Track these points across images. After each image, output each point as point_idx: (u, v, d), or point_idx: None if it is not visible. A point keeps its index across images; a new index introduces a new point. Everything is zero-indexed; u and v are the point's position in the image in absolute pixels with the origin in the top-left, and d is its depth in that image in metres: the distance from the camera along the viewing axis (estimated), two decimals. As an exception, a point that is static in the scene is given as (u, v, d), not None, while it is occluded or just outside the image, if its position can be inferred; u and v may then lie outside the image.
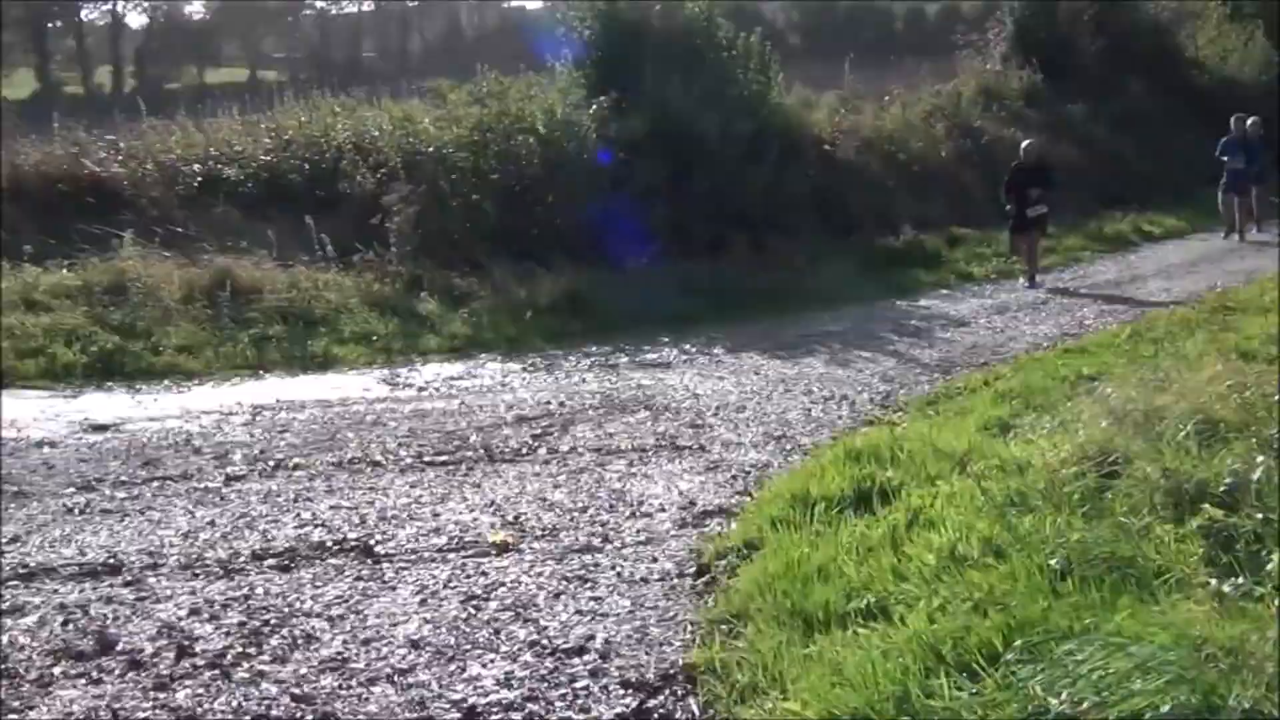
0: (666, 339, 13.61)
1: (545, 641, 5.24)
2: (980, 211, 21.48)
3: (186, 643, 5.28)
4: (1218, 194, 21.58)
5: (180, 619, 5.58)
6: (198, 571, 6.29)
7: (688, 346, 13.19)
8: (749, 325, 14.32)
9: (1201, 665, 3.60)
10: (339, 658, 5.14)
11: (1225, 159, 21.00)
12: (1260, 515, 5.08)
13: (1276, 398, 6.69)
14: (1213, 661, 3.64)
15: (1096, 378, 9.26)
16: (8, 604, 5.75)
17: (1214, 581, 4.54)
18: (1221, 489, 5.45)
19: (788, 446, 8.75)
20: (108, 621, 5.54)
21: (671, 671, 4.90)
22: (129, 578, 6.17)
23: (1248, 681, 3.50)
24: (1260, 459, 5.63)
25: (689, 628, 5.37)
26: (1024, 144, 18.61)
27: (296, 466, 8.52)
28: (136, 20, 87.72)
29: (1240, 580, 4.53)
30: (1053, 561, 4.91)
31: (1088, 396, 8.19)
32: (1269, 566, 4.59)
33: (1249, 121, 21.25)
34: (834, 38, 55.99)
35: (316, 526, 7.08)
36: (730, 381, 11.27)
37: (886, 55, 40.13)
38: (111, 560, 6.44)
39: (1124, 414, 7.08)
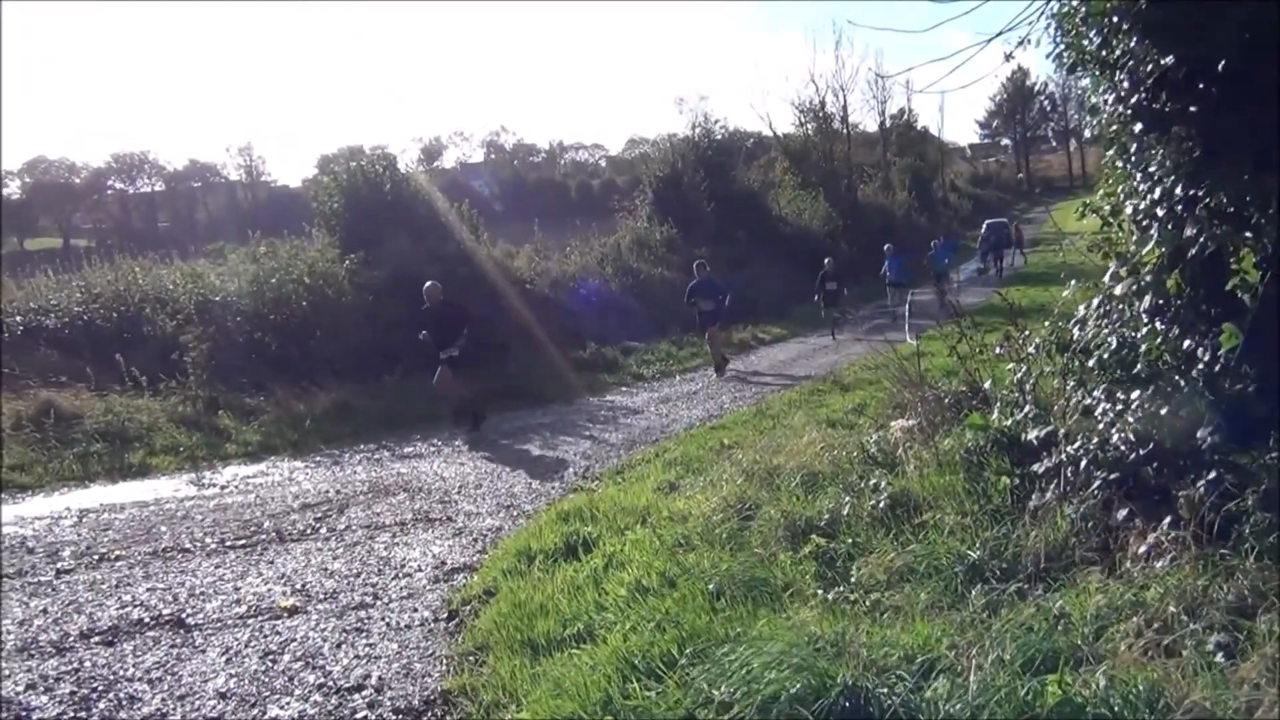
0: (418, 435, 13.34)
1: (331, 683, 5.11)
2: (642, 328, 22.13)
3: (24, 713, 4.95)
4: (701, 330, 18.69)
5: (18, 694, 5.22)
6: (32, 653, 5.85)
7: (435, 440, 12.95)
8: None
9: (815, 655, 3.79)
10: (158, 713, 4.90)
11: (694, 302, 18.16)
12: (850, 540, 5.48)
13: (853, 455, 7.14)
14: (823, 651, 3.84)
15: (733, 446, 9.56)
16: None
17: (821, 591, 4.83)
18: (823, 522, 5.82)
19: (515, 513, 8.71)
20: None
21: (432, 697, 4.86)
22: (-30, 664, 5.68)
23: (848, 664, 3.72)
24: (846, 499, 6.10)
25: (444, 661, 5.33)
26: (426, 285, 14.07)
27: (118, 558, 7.98)
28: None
29: (840, 588, 4.83)
30: (710, 586, 5.10)
31: (728, 460, 8.48)
32: (858, 576, 4.92)
33: (706, 266, 18.83)
34: (524, 205, 56.93)
35: (136, 606, 6.67)
36: (469, 466, 11.12)
37: (565, 217, 41.02)
38: (-44, 650, 5.89)
39: (753, 472, 7.40)
